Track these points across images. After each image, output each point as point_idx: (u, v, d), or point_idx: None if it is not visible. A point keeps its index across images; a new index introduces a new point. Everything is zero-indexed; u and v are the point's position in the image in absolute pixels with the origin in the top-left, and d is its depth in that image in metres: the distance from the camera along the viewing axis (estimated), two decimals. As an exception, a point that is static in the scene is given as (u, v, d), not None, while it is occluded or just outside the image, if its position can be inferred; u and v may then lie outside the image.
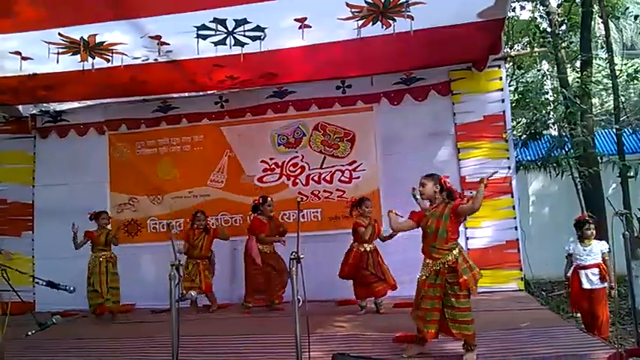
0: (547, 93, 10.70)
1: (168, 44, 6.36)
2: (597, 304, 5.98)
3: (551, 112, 8.91)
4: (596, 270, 5.99)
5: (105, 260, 7.60)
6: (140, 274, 8.63)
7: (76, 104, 9.32)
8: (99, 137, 9.32)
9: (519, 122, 9.57)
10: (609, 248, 6.10)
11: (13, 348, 5.43)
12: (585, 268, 6.06)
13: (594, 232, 6.11)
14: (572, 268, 6.20)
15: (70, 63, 6.63)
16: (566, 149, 8.46)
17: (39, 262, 9.15)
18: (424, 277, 4.65)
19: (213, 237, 7.83)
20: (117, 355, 5.47)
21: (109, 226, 7.97)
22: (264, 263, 7.39)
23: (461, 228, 7.47)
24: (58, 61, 6.39)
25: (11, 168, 9.50)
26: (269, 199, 7.58)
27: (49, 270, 8.36)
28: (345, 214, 7.80)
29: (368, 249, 6.87)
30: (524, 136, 8.76)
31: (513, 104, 9.05)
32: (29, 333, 3.42)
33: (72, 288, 3.77)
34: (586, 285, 6.04)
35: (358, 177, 8.42)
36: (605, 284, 5.96)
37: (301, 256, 3.03)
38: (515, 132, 8.76)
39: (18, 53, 6.38)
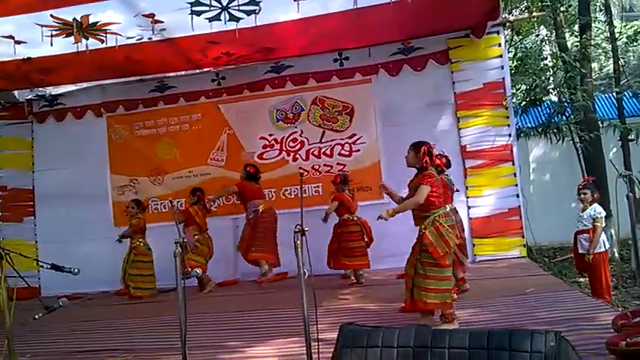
0: (546, 58, 10.62)
1: (162, 22, 6.30)
2: (595, 269, 6.01)
3: (551, 78, 8.84)
4: (587, 235, 6.00)
5: (130, 249, 7.88)
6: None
7: (72, 87, 9.25)
8: (97, 120, 9.25)
9: (519, 89, 9.48)
10: (603, 212, 6.09)
11: (20, 332, 5.49)
12: (580, 233, 6.09)
13: (590, 197, 6.09)
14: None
15: (64, 45, 6.57)
16: (567, 115, 8.43)
17: (42, 247, 9.16)
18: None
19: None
20: (125, 334, 5.51)
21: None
22: None
23: (462, 197, 7.59)
24: (52, 44, 6.34)
25: (10, 154, 9.48)
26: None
27: (52, 254, 8.33)
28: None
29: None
30: (524, 102, 8.73)
31: (512, 71, 8.98)
32: (36, 316, 3.43)
33: (76, 270, 3.76)
34: (580, 250, 6.08)
35: (358, 150, 8.39)
36: (602, 249, 5.96)
37: (306, 229, 3.02)
38: (515, 99, 8.71)
39: (11, 37, 6.33)
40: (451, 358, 2.26)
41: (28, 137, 9.45)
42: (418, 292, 4.55)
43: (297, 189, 8.34)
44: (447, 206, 5.20)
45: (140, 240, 7.84)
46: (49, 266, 3.97)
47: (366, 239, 7.00)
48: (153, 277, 7.83)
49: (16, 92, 9.17)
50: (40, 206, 9.35)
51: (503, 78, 7.94)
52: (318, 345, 3.05)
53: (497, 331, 2.29)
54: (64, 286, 7.63)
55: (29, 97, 9.39)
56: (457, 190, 6.52)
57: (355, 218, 7.09)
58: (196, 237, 7.61)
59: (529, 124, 9.98)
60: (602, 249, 5.98)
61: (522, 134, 9.02)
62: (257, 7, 5.99)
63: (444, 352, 2.28)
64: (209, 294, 7.44)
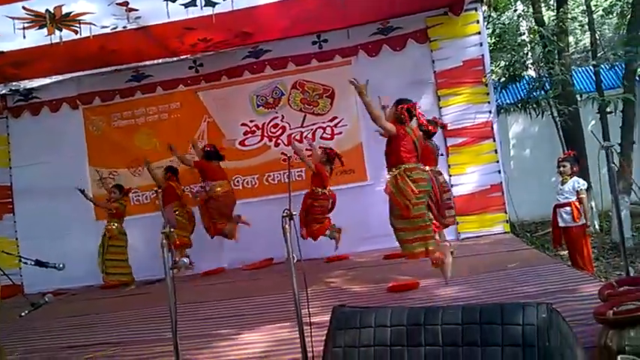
0: (524, 34, 10.65)
1: (137, 10, 6.19)
2: (575, 242, 6.11)
3: (529, 53, 8.88)
4: (568, 208, 6.07)
5: (104, 233, 7.97)
6: (130, 247, 8.53)
7: (46, 80, 9.06)
8: (73, 112, 9.09)
9: (498, 65, 9.52)
10: (585, 184, 6.18)
11: (7, 330, 5.44)
12: (560, 206, 6.16)
13: (570, 169, 6.16)
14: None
15: (37, 37, 6.41)
16: (545, 89, 8.48)
17: (23, 243, 9.02)
18: None
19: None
20: (114, 327, 5.47)
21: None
22: None
23: (446, 175, 7.63)
24: (24, 37, 6.19)
25: (-14, 151, 9.30)
26: None
27: (34, 250, 8.23)
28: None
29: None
30: (504, 79, 8.76)
31: (491, 47, 9.01)
32: (22, 314, 3.37)
33: (61, 265, 3.72)
34: (561, 223, 6.16)
35: (340, 132, 8.37)
36: (580, 222, 6.04)
37: (294, 213, 3.01)
38: (494, 75, 8.74)
39: (-19, 31, 6.15)
40: (445, 334, 2.28)
41: (4, 133, 9.25)
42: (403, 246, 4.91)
43: (279, 174, 8.33)
44: (426, 167, 5.38)
45: (115, 224, 7.84)
46: (32, 262, 3.92)
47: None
48: (127, 262, 7.86)
49: (-12, 87, 8.97)
50: (19, 202, 9.20)
51: (482, 55, 7.94)
52: (311, 328, 3.05)
53: (489, 305, 2.32)
54: (48, 282, 7.62)
55: (3, 91, 9.18)
56: (442, 155, 7.00)
57: (327, 192, 7.34)
58: (177, 212, 7.67)
59: (509, 100, 10.05)
60: (583, 221, 6.06)
61: (502, 110, 9.07)
62: (233, -9, 5.91)
63: (437, 329, 2.30)
64: (200, 282, 7.44)
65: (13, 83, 9.00)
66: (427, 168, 5.37)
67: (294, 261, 3.12)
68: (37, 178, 8.96)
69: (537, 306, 2.18)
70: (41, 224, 8.89)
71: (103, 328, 5.52)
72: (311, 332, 3.03)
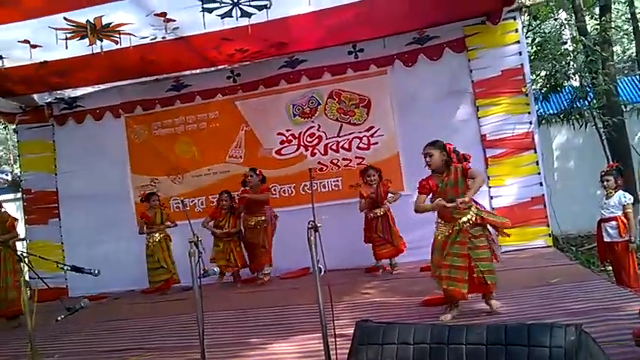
0: (566, 43, 10.37)
1: (175, 20, 6.30)
2: (620, 258, 5.88)
3: (571, 62, 8.60)
4: (614, 223, 5.85)
5: (163, 238, 8.04)
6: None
7: (90, 89, 9.32)
8: (115, 121, 9.33)
9: (539, 75, 9.25)
10: (632, 198, 5.94)
11: (45, 333, 5.58)
12: (605, 221, 5.94)
13: (614, 183, 5.93)
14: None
15: (79, 48, 6.62)
16: (589, 99, 8.22)
17: (68, 248, 9.31)
18: (443, 237, 4.61)
19: (236, 218, 7.81)
20: (148, 333, 5.54)
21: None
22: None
23: (484, 187, 7.46)
24: (67, 47, 6.40)
25: (33, 157, 9.66)
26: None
27: (78, 255, 8.58)
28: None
29: (378, 214, 7.14)
30: (545, 88, 8.54)
31: (531, 57, 8.76)
32: (59, 318, 3.45)
33: (96, 271, 3.79)
34: (606, 238, 5.93)
35: (376, 142, 8.30)
36: (626, 237, 5.81)
37: (319, 225, 2.98)
38: (535, 85, 8.53)
39: (27, 42, 6.37)
40: (468, 355, 2.20)
41: (50, 140, 9.57)
42: (489, 277, 4.49)
43: (315, 183, 8.31)
44: None
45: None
46: (69, 268, 4.01)
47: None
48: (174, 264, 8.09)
49: (35, 96, 9.29)
50: (64, 208, 9.48)
51: (522, 64, 7.75)
52: (335, 342, 3.01)
53: (514, 325, 2.22)
54: (91, 286, 7.82)
55: (49, 100, 9.50)
56: None
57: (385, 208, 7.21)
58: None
59: (551, 111, 9.78)
60: (628, 236, 5.83)
61: (544, 121, 8.84)
62: (268, 2, 5.95)
63: (461, 349, 2.22)
64: (232, 290, 7.50)
65: (58, 92, 9.29)
66: None
67: (321, 274, 3.09)
68: (81, 184, 9.23)
69: (566, 327, 2.08)
70: (85, 229, 9.17)
71: (138, 334, 5.61)
72: (335, 345, 3.00)
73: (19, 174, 10.77)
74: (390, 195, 7.12)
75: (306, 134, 8.57)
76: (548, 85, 8.40)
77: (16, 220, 7.07)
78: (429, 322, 4.35)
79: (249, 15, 6.15)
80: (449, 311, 4.57)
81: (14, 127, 10.24)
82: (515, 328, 2.20)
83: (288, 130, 8.62)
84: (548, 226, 7.71)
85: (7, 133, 25.16)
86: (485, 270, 4.48)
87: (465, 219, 4.50)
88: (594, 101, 8.07)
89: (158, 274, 7.96)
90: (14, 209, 10.94)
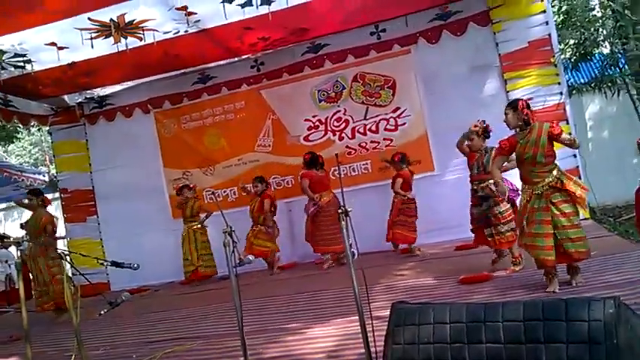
0: (594, 9, 10.05)
1: (196, 13, 6.35)
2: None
3: (600, 29, 8.35)
4: None
5: (192, 231, 8.11)
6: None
7: (118, 87, 9.49)
8: (145, 116, 9.49)
9: (567, 44, 9.01)
10: None
11: (90, 327, 5.75)
12: None
13: None
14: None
15: (104, 46, 6.74)
16: (620, 66, 7.99)
17: (107, 244, 9.58)
18: (525, 202, 4.55)
19: (261, 202, 7.74)
20: (190, 322, 5.66)
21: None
22: None
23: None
24: (92, 46, 6.52)
25: (67, 157, 9.91)
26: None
27: (117, 250, 8.79)
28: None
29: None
30: (574, 57, 8.32)
31: (559, 26, 8.57)
32: (102, 312, 3.55)
33: (136, 265, 3.87)
34: None
35: (404, 123, 8.23)
36: None
37: (349, 209, 2.98)
38: (563, 54, 8.31)
39: (53, 44, 6.52)
40: (505, 332, 2.19)
41: (83, 139, 9.81)
42: (573, 244, 4.35)
43: (344, 168, 8.30)
44: None
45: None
46: (109, 263, 4.11)
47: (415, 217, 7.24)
48: (212, 255, 8.19)
49: (66, 97, 9.50)
50: (101, 205, 9.73)
51: (549, 34, 7.56)
52: (372, 324, 3.03)
53: (552, 301, 2.20)
54: (131, 280, 8.04)
55: (79, 100, 9.71)
56: None
57: (412, 194, 7.19)
58: (273, 227, 7.83)
59: (581, 80, 9.55)
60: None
61: (575, 91, 8.62)
62: (287, -12, 5.95)
63: (499, 326, 2.21)
64: (270, 277, 7.61)
65: (88, 92, 9.48)
66: None
67: (354, 258, 3.10)
68: (115, 180, 9.46)
69: (604, 300, 2.05)
70: (122, 224, 9.38)
71: (180, 323, 5.73)
72: (373, 328, 3.00)
73: (55, 174, 11.03)
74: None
75: (333, 119, 8.56)
76: (577, 54, 8.19)
77: (53, 218, 7.18)
78: (464, 301, 4.36)
79: (269, 2, 6.16)
80: (549, 282, 4.46)
81: (47, 128, 10.49)
82: (553, 303, 2.18)
83: (314, 116, 8.63)
84: (584, 198, 7.55)
85: (41, 135, 25.82)
86: (565, 238, 4.36)
87: (544, 182, 4.41)
88: (626, 68, 7.82)
89: (186, 265, 8.13)
90: (54, 209, 11.23)
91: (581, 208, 4.55)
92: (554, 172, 4.42)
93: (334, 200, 7.41)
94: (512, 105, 4.64)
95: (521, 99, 4.75)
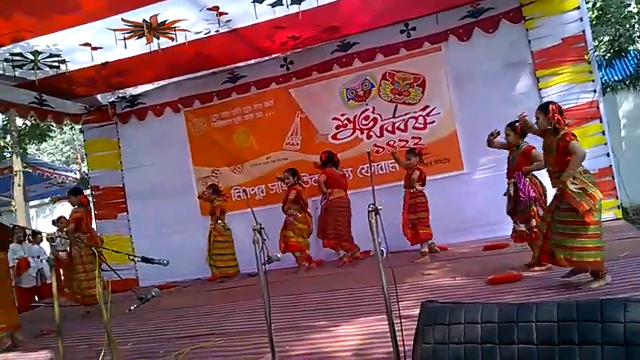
0: (629, 5, 9.82)
1: (227, 13, 6.40)
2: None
3: (636, 25, 8.18)
4: None
5: (211, 230, 8.35)
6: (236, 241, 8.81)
7: (149, 86, 9.63)
8: (175, 115, 9.61)
9: (601, 40, 8.84)
10: None
11: (120, 322, 5.85)
12: None
13: None
14: None
15: (137, 47, 6.84)
16: (657, 63, 7.81)
17: (137, 240, 9.73)
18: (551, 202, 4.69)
19: (287, 194, 7.84)
20: (218, 319, 5.72)
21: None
22: None
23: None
24: (125, 47, 6.62)
25: (99, 155, 10.11)
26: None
27: (146, 246, 8.94)
28: (424, 161, 7.75)
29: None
30: (609, 54, 8.17)
31: (593, 22, 8.40)
32: (131, 307, 3.60)
33: (165, 261, 3.90)
34: None
35: (433, 121, 8.18)
36: None
37: (379, 207, 2.97)
38: (597, 51, 8.16)
39: (88, 45, 6.65)
40: (539, 332, 2.15)
41: (114, 138, 9.99)
42: (563, 252, 4.39)
43: (373, 166, 8.28)
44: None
45: (219, 221, 8.32)
46: (139, 259, 4.17)
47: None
48: (233, 255, 8.35)
49: (99, 96, 9.67)
50: (131, 202, 9.90)
51: (584, 30, 7.43)
52: (401, 323, 3.02)
53: (587, 301, 2.15)
54: (160, 276, 8.13)
55: (111, 99, 9.89)
56: None
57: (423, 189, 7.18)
58: (297, 216, 7.83)
59: (616, 77, 9.35)
60: None
61: (609, 88, 8.45)
62: (317, -13, 5.95)
63: (531, 326, 2.17)
64: (297, 274, 7.63)
65: (120, 91, 9.64)
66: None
67: (383, 256, 3.09)
68: (146, 178, 9.61)
69: (642, 302, 2.01)
70: (152, 222, 9.53)
71: (208, 320, 5.79)
72: (402, 327, 3.00)
73: (87, 172, 11.26)
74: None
75: (361, 117, 8.54)
76: (612, 51, 8.05)
77: (82, 215, 7.27)
78: (495, 301, 4.31)
79: (299, 2, 6.18)
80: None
81: (80, 127, 10.71)
82: (588, 304, 2.13)
83: (343, 115, 8.63)
84: (617, 198, 7.42)
85: (73, 134, 26.35)
86: (554, 243, 4.45)
87: (557, 186, 4.51)
88: (663, 64, 7.66)
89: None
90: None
91: (601, 211, 4.43)
92: (568, 182, 4.32)
93: (345, 198, 7.66)
94: (544, 108, 4.62)
95: (554, 102, 4.71)
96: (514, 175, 5.52)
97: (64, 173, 15.81)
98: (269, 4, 6.23)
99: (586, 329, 2.07)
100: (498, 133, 5.66)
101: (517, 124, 5.44)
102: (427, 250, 7.04)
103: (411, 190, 7.05)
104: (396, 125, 8.36)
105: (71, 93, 8.84)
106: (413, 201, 7.06)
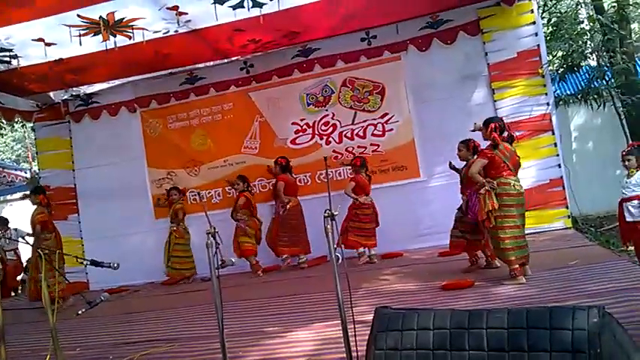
0: (582, 22, 10.18)
1: (187, 13, 6.30)
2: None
3: (588, 42, 8.46)
4: (635, 202, 5.73)
5: (170, 233, 8.35)
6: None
7: (105, 85, 9.38)
8: (131, 116, 9.38)
9: (555, 55, 9.11)
10: None
11: (67, 327, 5.65)
12: (627, 200, 5.83)
13: (635, 162, 5.81)
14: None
15: (93, 44, 6.66)
16: (607, 79, 8.09)
17: (87, 243, 9.42)
18: None
19: (237, 199, 7.98)
20: (169, 324, 5.60)
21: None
22: None
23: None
24: (81, 44, 6.44)
25: (50, 155, 9.76)
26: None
27: (98, 249, 8.67)
28: (381, 168, 7.86)
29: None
30: (562, 69, 8.41)
31: (548, 37, 8.64)
32: (79, 312, 3.48)
33: (116, 265, 3.79)
34: (628, 218, 5.80)
35: (391, 129, 8.25)
36: None
37: (335, 213, 2.97)
38: (551, 66, 8.39)
39: (41, 40, 6.43)
40: (490, 339, 2.18)
41: (67, 137, 9.67)
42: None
43: (331, 172, 8.30)
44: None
45: (181, 223, 8.32)
46: (88, 262, 4.04)
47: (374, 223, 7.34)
48: (191, 257, 8.36)
49: (51, 93, 9.36)
50: (82, 203, 9.58)
51: (538, 45, 7.65)
52: (355, 329, 3.01)
53: (536, 309, 2.19)
54: (112, 280, 7.93)
55: (64, 97, 9.58)
56: None
57: (370, 201, 7.29)
58: (247, 222, 7.88)
59: (568, 91, 9.64)
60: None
61: (561, 102, 8.70)
62: (280, -9, 5.93)
63: (482, 333, 2.20)
64: (252, 280, 7.56)
65: (74, 89, 9.35)
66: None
67: (338, 262, 3.09)
68: (98, 179, 9.32)
69: (589, 309, 2.04)
70: (104, 224, 9.25)
71: (159, 325, 5.67)
72: (355, 332, 2.99)
73: (37, 171, 10.89)
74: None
75: (321, 123, 8.55)
76: (565, 66, 8.29)
77: (39, 217, 7.14)
78: (448, 307, 4.36)
79: (260, 5, 6.14)
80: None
81: (31, 124, 10.36)
82: (537, 311, 2.17)
83: (302, 120, 8.61)
84: (567, 207, 7.65)
85: (24, 132, 25.48)
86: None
87: None
88: (612, 80, 7.93)
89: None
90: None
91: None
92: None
93: (298, 206, 7.83)
94: (485, 123, 5.37)
95: (495, 121, 5.40)
96: (467, 191, 5.65)
97: (13, 172, 15.23)
98: (230, 6, 6.16)
99: (535, 336, 2.11)
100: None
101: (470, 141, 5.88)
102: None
103: (355, 202, 7.19)
104: (355, 132, 8.40)
105: (23, 89, 8.53)
106: (354, 211, 7.22)
